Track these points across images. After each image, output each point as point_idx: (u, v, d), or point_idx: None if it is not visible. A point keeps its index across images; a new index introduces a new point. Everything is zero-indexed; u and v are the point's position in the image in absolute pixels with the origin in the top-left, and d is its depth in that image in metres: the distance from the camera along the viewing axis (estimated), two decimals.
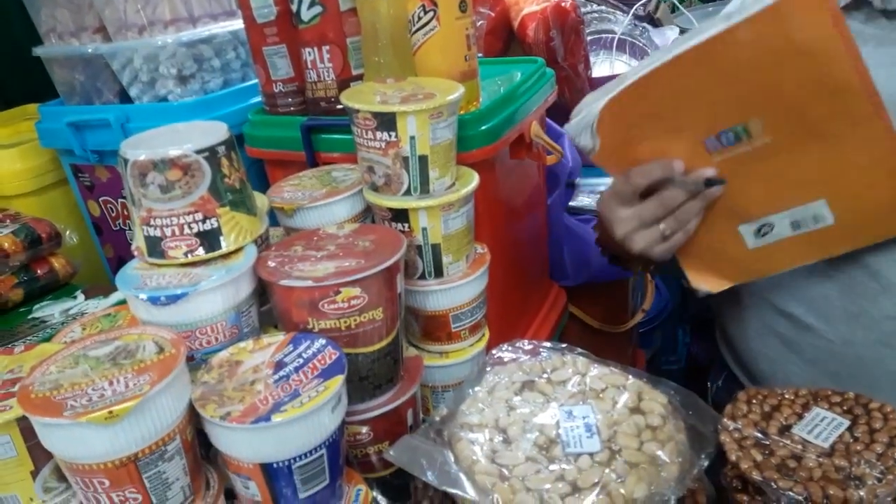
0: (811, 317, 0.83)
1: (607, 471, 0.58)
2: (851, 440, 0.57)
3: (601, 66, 1.58)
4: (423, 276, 0.81)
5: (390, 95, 0.76)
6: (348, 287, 0.67)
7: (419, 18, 0.79)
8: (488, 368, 0.72)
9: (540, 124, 1.05)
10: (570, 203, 1.40)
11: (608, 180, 0.83)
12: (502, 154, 0.95)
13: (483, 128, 0.87)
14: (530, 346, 0.75)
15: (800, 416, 0.60)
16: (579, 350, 0.74)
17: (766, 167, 0.71)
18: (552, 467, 0.60)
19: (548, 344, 0.74)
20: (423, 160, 0.75)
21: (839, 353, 0.81)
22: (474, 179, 0.81)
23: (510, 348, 0.75)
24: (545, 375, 0.70)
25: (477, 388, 0.70)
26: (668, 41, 1.57)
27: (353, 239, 0.74)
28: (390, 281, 0.69)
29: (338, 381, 0.61)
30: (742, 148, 0.70)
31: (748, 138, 0.70)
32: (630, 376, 0.69)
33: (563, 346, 0.74)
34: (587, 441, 0.61)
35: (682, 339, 1.97)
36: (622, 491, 0.56)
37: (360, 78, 0.90)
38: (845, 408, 0.60)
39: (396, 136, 0.73)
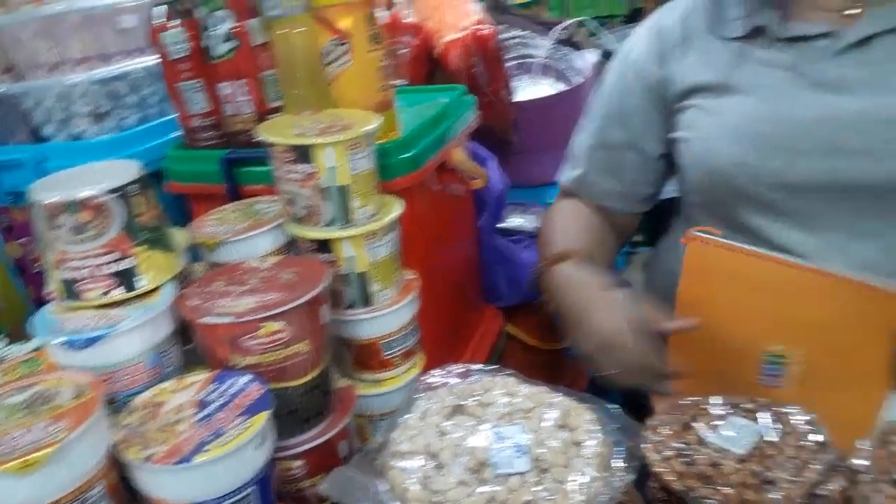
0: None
1: (537, 489, 0.59)
2: (765, 445, 0.59)
3: (525, 90, 1.61)
4: (351, 306, 0.81)
5: (307, 127, 0.76)
6: (270, 322, 0.66)
7: (331, 52, 0.79)
8: (420, 395, 0.72)
9: (464, 150, 1.07)
10: (500, 225, 1.42)
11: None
12: (427, 180, 0.96)
13: (404, 156, 0.87)
14: (461, 370, 0.75)
15: (718, 425, 0.62)
16: (509, 371, 0.75)
17: None
18: (483, 490, 0.60)
19: (478, 366, 0.75)
20: (343, 190, 0.75)
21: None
22: (398, 207, 0.81)
23: (441, 373, 0.75)
24: (475, 398, 0.70)
25: (408, 416, 0.70)
26: (589, 64, 1.61)
27: (276, 272, 0.73)
28: (314, 313, 0.69)
29: (263, 418, 0.60)
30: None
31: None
32: (558, 394, 0.70)
33: (493, 367, 0.75)
34: (517, 461, 0.62)
35: None
36: None
37: (278, 111, 0.90)
38: (760, 415, 0.62)
39: (315, 168, 0.74)
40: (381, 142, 0.85)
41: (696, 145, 0.88)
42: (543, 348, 1.37)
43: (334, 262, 0.78)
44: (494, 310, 1.27)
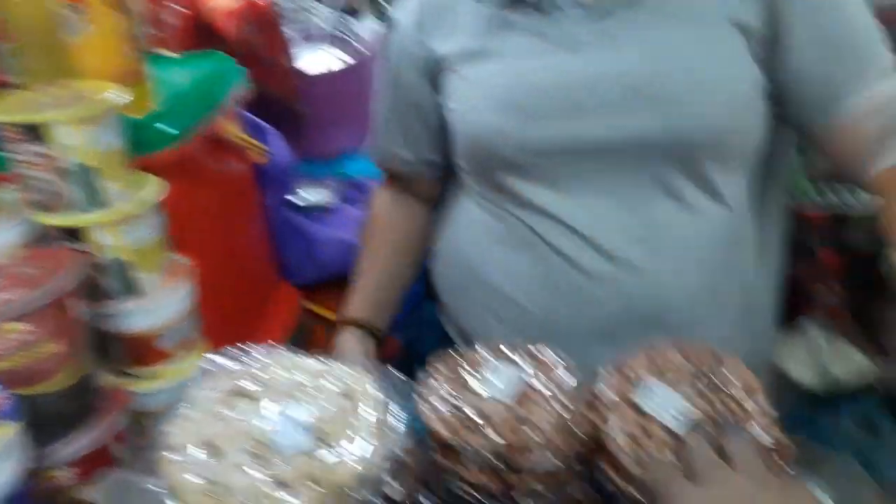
0: (516, 292, 0.91)
1: (317, 462, 0.58)
2: (529, 389, 0.63)
3: (311, 60, 1.58)
4: (114, 297, 0.74)
5: (43, 103, 0.68)
6: (12, 322, 0.59)
7: (68, 18, 0.72)
8: (192, 383, 0.69)
9: (236, 121, 1.02)
10: (293, 200, 1.38)
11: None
12: (195, 156, 0.90)
13: (163, 130, 0.82)
14: (238, 353, 0.72)
15: (486, 376, 0.65)
16: (286, 347, 0.73)
17: None
18: (265, 471, 0.58)
19: (255, 347, 0.72)
20: (87, 171, 0.69)
21: (542, 323, 0.88)
22: (157, 186, 0.76)
23: (217, 358, 0.71)
24: (254, 379, 0.68)
25: (182, 406, 0.66)
26: (373, 33, 1.60)
27: (19, 267, 0.65)
28: (62, 309, 0.62)
29: (8, 430, 0.54)
30: None
31: None
32: (339, 366, 0.70)
33: (272, 345, 0.73)
34: (298, 438, 0.60)
35: (437, 319, 2.04)
36: (330, 478, 0.57)
37: (13, 86, 0.80)
38: (522, 361, 0.66)
39: (49, 148, 0.66)
40: (133, 115, 0.79)
41: (457, 114, 0.90)
42: None
43: (90, 252, 0.71)
44: (292, 288, 1.24)
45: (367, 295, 1.05)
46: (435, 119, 0.97)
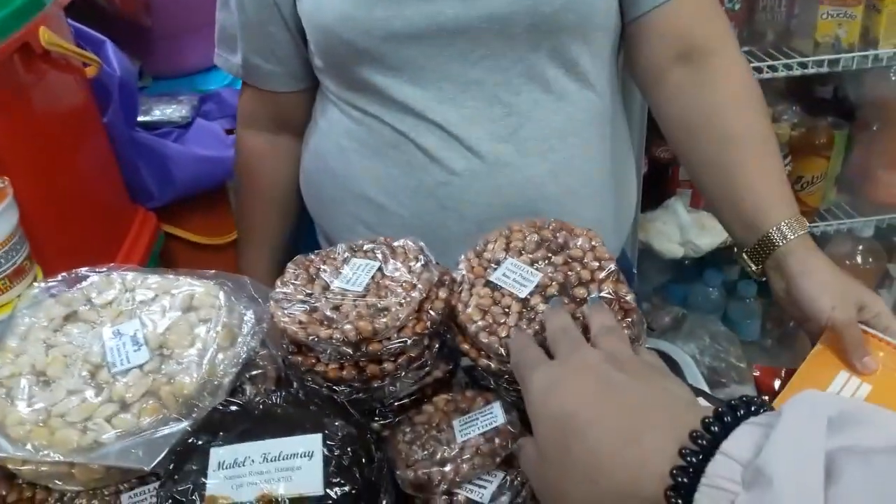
0: (381, 196, 0.88)
1: (157, 376, 0.55)
2: (381, 278, 0.61)
3: None
4: None
5: None
6: None
7: None
8: (20, 313, 0.63)
9: (58, 30, 0.92)
10: (142, 118, 1.28)
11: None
12: (8, 68, 0.81)
13: None
14: (71, 276, 0.67)
15: (340, 270, 0.63)
16: (127, 266, 0.68)
17: None
18: (98, 393, 0.55)
19: (87, 269, 0.67)
20: None
21: (412, 226, 0.86)
22: None
23: (45, 285, 0.66)
24: (88, 302, 0.63)
25: (8, 338, 0.61)
26: None
27: None
28: None
29: None
30: None
31: None
32: (184, 278, 0.66)
33: (108, 266, 0.68)
34: (134, 355, 0.57)
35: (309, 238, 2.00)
36: (171, 390, 0.54)
37: None
38: (377, 252, 0.64)
39: None
40: None
41: (305, 4, 0.84)
42: (212, 243, 1.31)
43: None
44: (146, 211, 1.16)
45: (262, 266, 1.04)
46: (295, 22, 0.89)
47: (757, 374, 0.83)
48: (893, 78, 1.56)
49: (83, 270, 0.67)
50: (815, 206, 1.62)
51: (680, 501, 0.34)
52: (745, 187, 0.78)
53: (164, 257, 1.25)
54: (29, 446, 0.51)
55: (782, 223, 0.75)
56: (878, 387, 0.68)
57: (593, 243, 0.61)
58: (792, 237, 0.74)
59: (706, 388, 0.75)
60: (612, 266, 0.59)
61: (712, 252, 1.58)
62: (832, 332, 0.70)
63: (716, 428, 0.35)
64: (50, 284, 0.66)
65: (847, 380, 0.69)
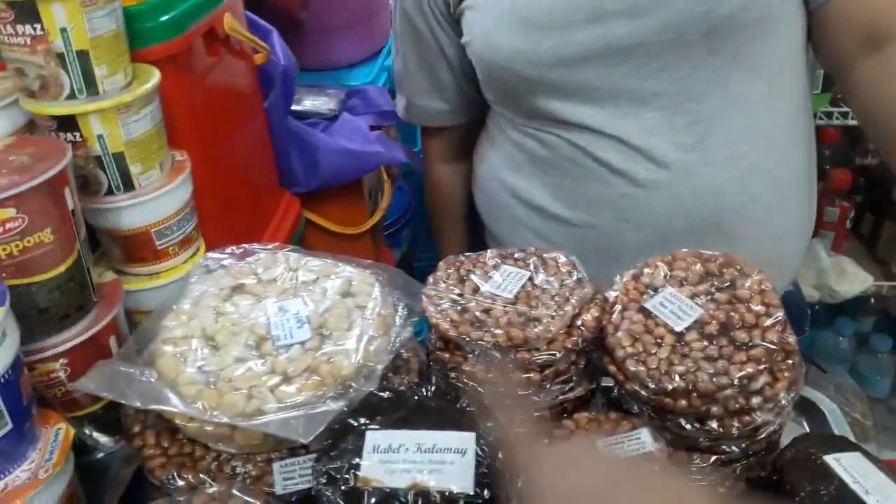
0: (556, 206, 0.89)
1: (317, 354, 0.58)
2: (532, 287, 0.62)
3: None
4: (110, 192, 0.72)
5: None
6: (3, 208, 0.58)
7: None
8: (193, 279, 0.68)
9: (237, 18, 0.98)
10: (295, 107, 1.34)
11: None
12: (194, 49, 0.87)
13: (162, 19, 0.77)
14: (240, 251, 0.71)
15: (490, 275, 0.64)
16: (291, 247, 0.72)
17: None
18: (262, 363, 0.58)
19: (257, 245, 0.71)
20: (83, 56, 0.65)
21: (584, 236, 0.87)
22: (154, 76, 0.73)
23: (217, 255, 0.70)
24: (255, 276, 0.67)
25: (182, 301, 0.66)
26: None
27: (8, 154, 0.63)
28: (55, 196, 0.60)
29: None
30: None
31: None
32: (343, 264, 0.69)
33: (274, 244, 0.72)
34: (297, 331, 0.60)
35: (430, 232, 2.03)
36: (330, 370, 0.56)
37: None
38: (528, 262, 0.65)
39: (43, 30, 0.63)
40: (132, 3, 0.75)
41: (476, 45, 0.87)
42: (345, 233, 1.35)
43: (83, 143, 0.69)
44: (291, 196, 1.22)
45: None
46: (459, 64, 0.96)
47: None
48: None
49: (251, 246, 0.71)
50: None
51: None
52: None
53: (300, 242, 1.30)
54: (199, 405, 0.55)
55: None
56: None
57: (763, 287, 0.59)
58: None
59: (852, 437, 0.70)
60: (780, 314, 0.56)
61: (848, 300, 1.50)
62: None
63: None
64: (221, 255, 0.70)
65: None
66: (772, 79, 0.81)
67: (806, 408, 0.76)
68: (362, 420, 0.52)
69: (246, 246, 0.71)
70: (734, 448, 0.58)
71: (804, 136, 0.87)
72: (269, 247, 0.71)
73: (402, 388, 0.60)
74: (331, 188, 1.31)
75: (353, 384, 0.56)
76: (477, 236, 1.10)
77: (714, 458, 0.58)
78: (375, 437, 0.50)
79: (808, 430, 0.75)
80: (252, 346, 0.59)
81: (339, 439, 0.51)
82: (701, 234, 0.81)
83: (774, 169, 0.83)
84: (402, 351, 0.67)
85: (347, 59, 1.59)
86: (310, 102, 1.40)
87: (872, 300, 1.64)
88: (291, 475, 0.55)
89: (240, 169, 1.04)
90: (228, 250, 0.71)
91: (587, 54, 0.79)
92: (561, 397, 0.60)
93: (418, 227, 1.97)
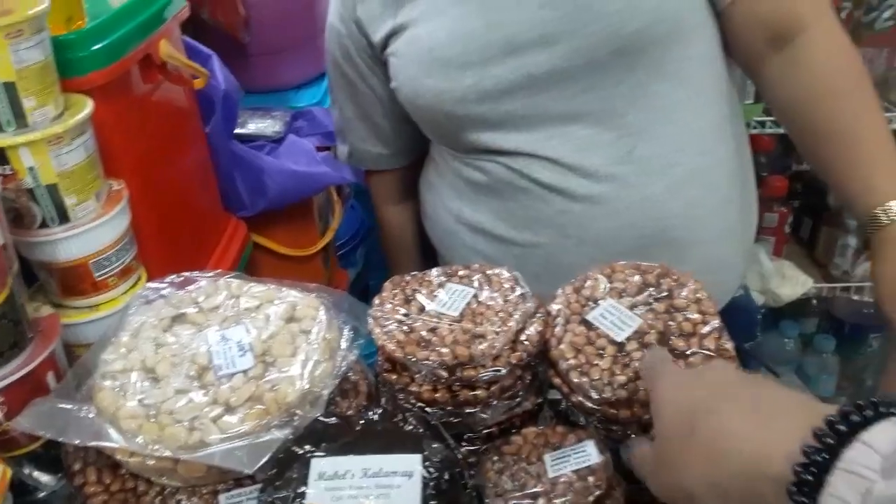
0: (500, 228, 0.90)
1: (261, 382, 0.57)
2: (476, 304, 0.62)
3: None
4: (44, 224, 0.71)
5: None
6: None
7: None
8: (132, 310, 0.66)
9: (174, 43, 0.97)
10: (239, 131, 1.33)
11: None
12: (129, 77, 0.85)
13: (94, 48, 0.76)
14: (180, 280, 0.70)
15: (436, 294, 0.64)
16: (234, 273, 0.71)
17: None
18: (204, 394, 0.57)
19: (198, 273, 0.70)
20: (10, 88, 0.64)
21: (532, 255, 0.88)
22: (87, 106, 0.71)
23: (156, 285, 0.69)
24: (196, 305, 0.66)
25: (121, 333, 0.64)
26: None
27: None
28: None
29: None
30: None
31: None
32: (287, 290, 0.68)
33: (216, 272, 0.71)
34: (240, 360, 0.59)
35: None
36: (274, 397, 0.56)
37: None
38: (472, 279, 0.65)
39: None
40: (63, 33, 0.74)
41: (403, 90, 0.89)
42: (296, 255, 1.34)
43: (14, 176, 0.67)
44: (237, 220, 1.21)
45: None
46: (394, 108, 0.96)
47: None
48: None
49: (192, 274, 0.70)
50: None
51: (810, 478, 0.35)
52: (848, 177, 0.79)
53: (249, 265, 1.28)
54: (140, 439, 0.54)
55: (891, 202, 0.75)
56: None
57: (699, 295, 0.60)
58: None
59: None
60: (717, 322, 0.58)
61: (791, 303, 1.54)
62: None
63: (856, 417, 0.36)
64: (161, 285, 0.69)
65: None
66: (693, 86, 0.83)
67: None
68: (307, 447, 0.52)
69: (187, 274, 0.70)
70: None
71: (734, 139, 0.89)
72: (210, 274, 0.70)
73: (349, 412, 0.59)
74: (279, 210, 1.30)
75: (297, 411, 0.55)
76: (432, 261, 1.11)
77: None
78: (321, 465, 0.50)
79: None
80: (194, 376, 0.58)
81: (285, 468, 0.51)
82: (645, 245, 0.82)
83: (708, 173, 0.85)
84: (351, 374, 0.67)
85: (293, 81, 1.59)
86: (255, 125, 1.39)
87: (814, 302, 1.69)
88: None
89: (181, 195, 1.02)
90: (168, 279, 0.70)
91: (509, 86, 0.81)
92: (509, 412, 0.61)
93: (372, 246, 1.96)
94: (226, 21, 1.39)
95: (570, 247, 0.85)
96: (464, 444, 0.62)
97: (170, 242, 0.97)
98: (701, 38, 0.83)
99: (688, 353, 0.56)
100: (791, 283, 1.45)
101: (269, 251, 1.31)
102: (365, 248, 1.87)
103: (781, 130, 1.42)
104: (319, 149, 1.33)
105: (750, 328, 1.00)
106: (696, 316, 0.58)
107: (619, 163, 0.82)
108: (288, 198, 1.26)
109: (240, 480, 0.57)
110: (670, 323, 0.58)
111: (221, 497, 0.55)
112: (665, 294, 0.61)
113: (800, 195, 1.60)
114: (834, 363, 1.68)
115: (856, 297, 1.59)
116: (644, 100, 0.81)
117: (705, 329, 0.57)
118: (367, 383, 0.66)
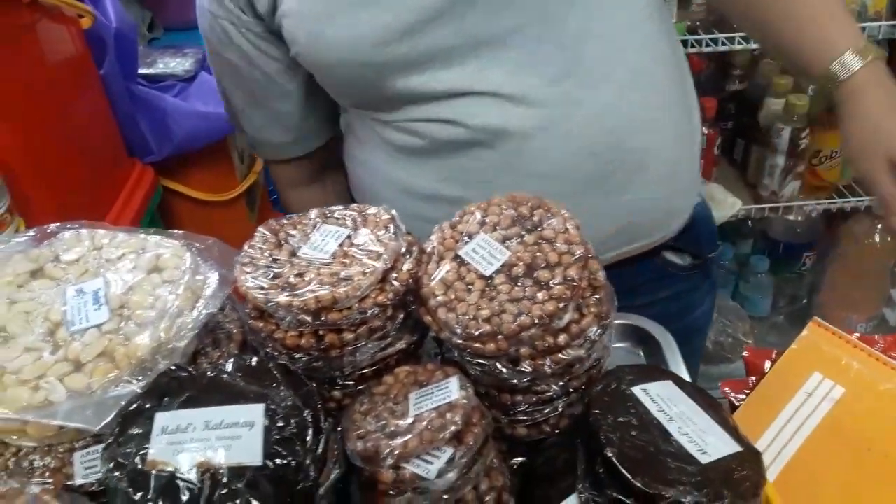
0: (449, 189, 0.82)
1: (114, 337, 0.55)
2: (350, 246, 0.60)
3: None
4: None
5: None
6: None
7: None
8: None
9: None
10: (145, 71, 1.27)
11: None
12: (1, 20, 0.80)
13: None
14: (42, 232, 0.67)
15: (308, 236, 0.62)
16: (100, 224, 0.68)
17: None
18: (53, 351, 0.55)
19: (58, 225, 0.67)
20: None
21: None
22: None
23: (15, 240, 0.66)
24: (56, 259, 0.63)
25: None
26: None
27: None
28: None
29: None
30: None
31: None
32: (150, 237, 0.65)
33: (79, 223, 0.67)
34: (94, 314, 0.57)
35: None
36: (125, 352, 0.54)
37: None
38: (347, 219, 0.63)
39: None
40: None
41: (308, 52, 0.79)
42: (215, 200, 1.31)
43: None
44: (143, 166, 1.16)
45: None
46: (297, 88, 0.87)
47: (746, 354, 0.81)
48: None
49: (54, 226, 0.67)
50: (834, 182, 1.56)
51: None
52: (801, 38, 0.80)
53: (166, 214, 1.25)
54: None
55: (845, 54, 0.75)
56: (850, 391, 0.66)
57: (567, 225, 0.58)
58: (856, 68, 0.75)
59: (685, 374, 0.72)
60: (580, 251, 0.56)
61: (724, 225, 1.54)
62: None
63: None
64: (19, 240, 0.65)
65: (820, 381, 0.67)
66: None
67: (643, 338, 0.78)
68: (152, 402, 0.50)
69: (48, 226, 0.66)
70: (553, 387, 0.58)
71: (666, 35, 0.84)
72: (75, 225, 0.66)
73: (207, 364, 0.57)
74: (193, 154, 1.25)
75: (150, 365, 0.54)
76: None
77: (535, 398, 0.59)
78: (164, 419, 0.48)
79: (645, 361, 0.77)
80: (44, 333, 0.56)
81: (130, 424, 0.49)
82: (605, 162, 0.78)
83: (650, 74, 0.80)
84: (227, 323, 0.65)
85: None
86: (164, 64, 1.33)
87: (750, 223, 1.69)
88: (93, 464, 0.53)
89: (72, 141, 0.98)
90: (30, 233, 0.66)
91: (433, 14, 0.73)
92: (379, 354, 0.60)
93: None
94: None
95: (531, 188, 0.79)
96: (336, 388, 0.60)
97: (63, 192, 0.94)
98: None
99: (551, 283, 0.55)
100: (720, 205, 1.45)
101: (186, 197, 1.28)
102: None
103: (703, 49, 1.39)
104: None
105: (712, 238, 0.99)
106: (562, 246, 0.57)
107: (561, 77, 0.75)
108: (198, 140, 1.22)
109: (98, 437, 0.55)
110: (538, 254, 0.57)
111: (76, 455, 0.54)
112: (536, 226, 0.59)
113: (732, 115, 1.58)
114: (768, 283, 1.70)
115: (789, 218, 1.59)
116: (579, 5, 0.74)
117: (571, 259, 0.56)
118: (241, 332, 0.64)
